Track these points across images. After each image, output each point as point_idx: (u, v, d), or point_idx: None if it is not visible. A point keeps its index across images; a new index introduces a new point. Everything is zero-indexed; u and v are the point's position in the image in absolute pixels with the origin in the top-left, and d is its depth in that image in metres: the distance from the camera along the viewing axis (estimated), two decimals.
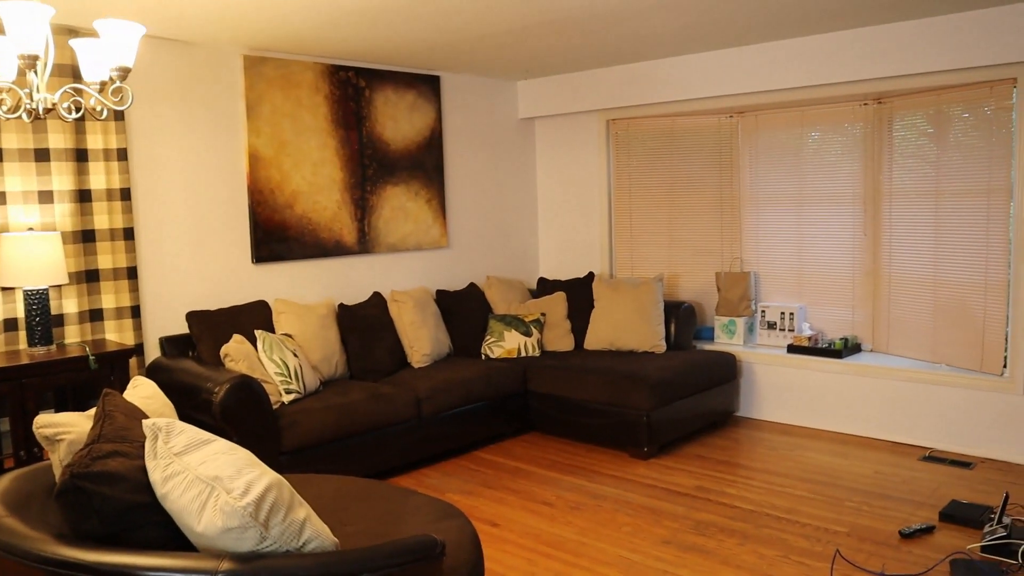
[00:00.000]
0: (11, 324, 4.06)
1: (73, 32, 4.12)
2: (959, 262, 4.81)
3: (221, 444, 2.04)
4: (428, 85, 5.88)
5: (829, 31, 4.89)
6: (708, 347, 5.78)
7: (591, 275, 6.00)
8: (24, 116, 2.56)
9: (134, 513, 1.98)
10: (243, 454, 2.01)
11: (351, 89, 5.40)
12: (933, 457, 4.72)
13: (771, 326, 5.67)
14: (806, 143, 5.51)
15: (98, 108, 2.79)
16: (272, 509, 1.87)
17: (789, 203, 5.62)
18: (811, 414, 5.39)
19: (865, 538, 3.66)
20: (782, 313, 5.62)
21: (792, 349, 5.46)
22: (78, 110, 2.82)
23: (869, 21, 4.63)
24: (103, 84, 2.70)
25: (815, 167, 5.48)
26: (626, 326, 5.51)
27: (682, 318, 5.64)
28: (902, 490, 4.23)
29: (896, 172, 5.11)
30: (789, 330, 5.58)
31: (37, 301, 3.93)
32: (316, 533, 1.95)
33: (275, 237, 5.05)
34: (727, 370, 5.43)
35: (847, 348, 5.26)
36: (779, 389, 5.52)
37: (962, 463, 4.59)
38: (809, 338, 5.42)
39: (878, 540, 3.63)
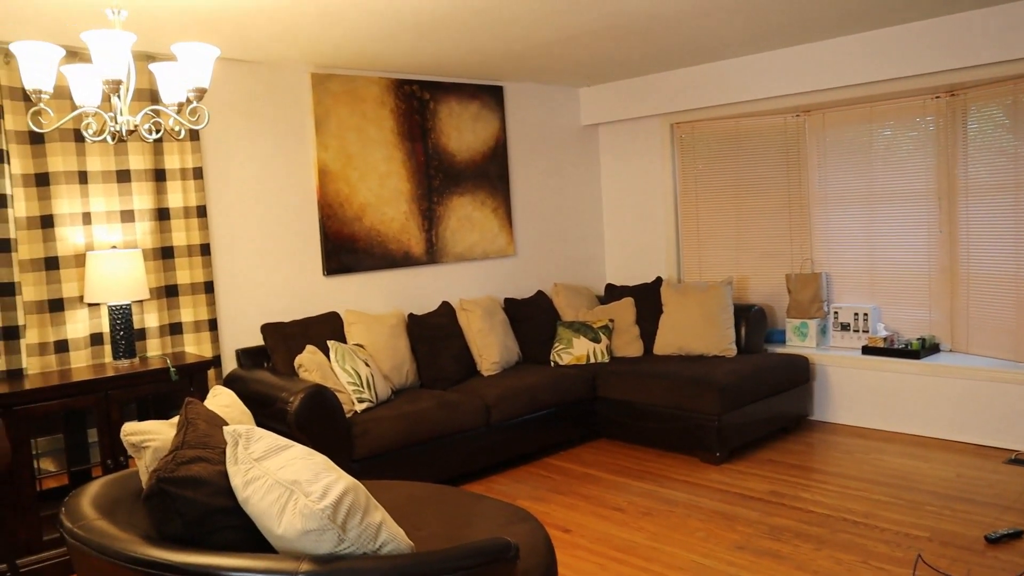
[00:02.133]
0: (97, 339, 4.23)
1: (150, 57, 4.29)
2: None
3: (299, 449, 2.10)
4: (491, 95, 5.94)
5: (896, 24, 4.78)
6: (780, 350, 5.69)
7: (659, 280, 5.97)
8: (108, 139, 2.68)
9: (215, 516, 2.05)
10: (320, 459, 2.07)
11: (415, 102, 5.50)
12: (1019, 460, 4.55)
13: (844, 327, 5.55)
14: (876, 139, 5.39)
15: (176, 128, 2.91)
16: (349, 512, 1.92)
17: (860, 201, 5.50)
18: (888, 417, 5.25)
19: (948, 543, 3.55)
20: (855, 314, 5.49)
21: (867, 351, 5.33)
22: (158, 131, 2.94)
23: (937, 12, 4.52)
24: (180, 105, 2.81)
25: (886, 164, 5.35)
26: (695, 330, 5.46)
27: (752, 321, 5.56)
28: (986, 494, 4.09)
29: (972, 166, 4.96)
30: (863, 331, 5.46)
31: (121, 316, 4.09)
32: (392, 536, 1.99)
33: (345, 249, 5.16)
34: (799, 373, 5.34)
35: (925, 348, 5.11)
36: (854, 392, 5.39)
37: None
38: (884, 339, 5.29)
39: (962, 545, 3.52)
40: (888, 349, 5.23)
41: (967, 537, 3.60)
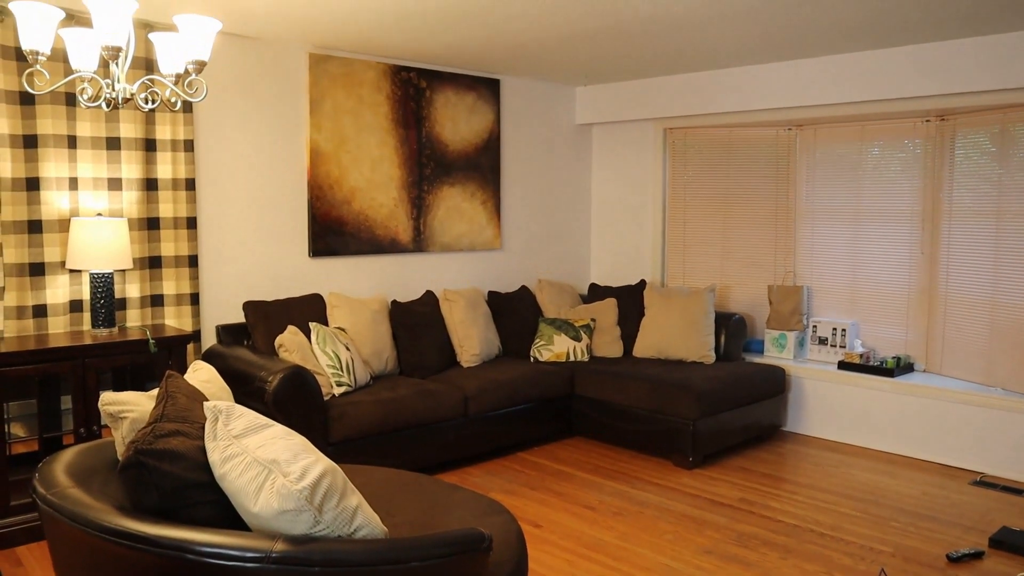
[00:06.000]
0: (76, 305, 4.20)
1: (148, 26, 4.25)
2: (1018, 283, 4.70)
3: (278, 429, 2.10)
4: (488, 88, 5.94)
5: (892, 46, 4.82)
6: (757, 360, 5.73)
7: (642, 283, 6.00)
8: (103, 105, 2.66)
9: (192, 491, 2.05)
10: (299, 440, 2.07)
11: (412, 89, 5.48)
12: (984, 482, 4.62)
13: (822, 341, 5.60)
14: (865, 158, 5.44)
15: (173, 100, 2.89)
16: (326, 494, 1.92)
17: (845, 218, 5.55)
18: (859, 432, 5.32)
19: (911, 559, 3.60)
20: (834, 329, 5.55)
21: (843, 366, 5.39)
22: (154, 101, 2.92)
23: (932, 37, 4.57)
24: (178, 76, 2.79)
25: (873, 183, 5.41)
26: (676, 335, 5.49)
27: (732, 329, 5.61)
28: (950, 513, 4.15)
29: (956, 191, 5.02)
30: (840, 346, 5.51)
31: (102, 284, 4.06)
32: (367, 520, 2.00)
33: (332, 232, 5.15)
34: (775, 384, 5.39)
35: (899, 367, 5.17)
36: (828, 405, 5.45)
37: (1015, 490, 4.49)
38: (861, 355, 5.35)
39: (924, 562, 3.58)
40: (863, 366, 5.28)
41: (929, 554, 3.66)
